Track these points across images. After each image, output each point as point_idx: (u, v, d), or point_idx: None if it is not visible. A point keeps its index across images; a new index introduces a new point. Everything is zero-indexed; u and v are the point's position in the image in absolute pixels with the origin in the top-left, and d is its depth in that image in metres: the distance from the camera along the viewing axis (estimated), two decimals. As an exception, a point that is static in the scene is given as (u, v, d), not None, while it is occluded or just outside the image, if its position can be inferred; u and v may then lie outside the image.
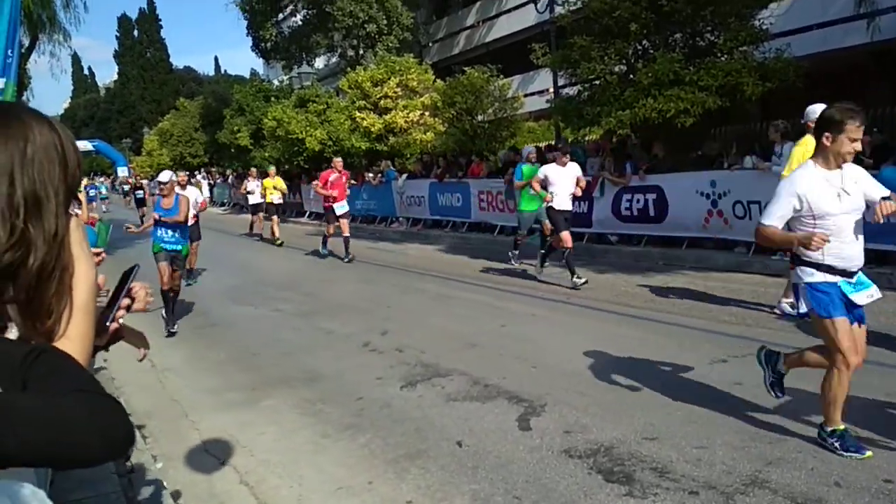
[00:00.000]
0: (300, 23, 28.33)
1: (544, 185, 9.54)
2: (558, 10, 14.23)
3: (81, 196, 9.08)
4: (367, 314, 8.42)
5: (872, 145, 8.83)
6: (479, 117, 17.08)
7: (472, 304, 8.63)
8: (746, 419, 4.40)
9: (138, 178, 33.67)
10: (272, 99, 28.16)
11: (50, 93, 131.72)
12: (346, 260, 12.91)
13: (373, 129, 20.13)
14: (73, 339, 1.11)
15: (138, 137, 63.82)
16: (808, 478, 3.61)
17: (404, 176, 18.11)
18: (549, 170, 9.60)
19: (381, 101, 20.20)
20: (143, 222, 9.99)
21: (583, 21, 11.92)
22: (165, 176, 8.69)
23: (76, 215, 1.22)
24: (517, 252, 10.84)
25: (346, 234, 13.21)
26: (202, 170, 38.29)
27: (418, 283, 10.36)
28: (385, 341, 7.04)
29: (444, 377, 5.73)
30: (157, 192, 9.15)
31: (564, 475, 3.85)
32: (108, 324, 1.47)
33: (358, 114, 20.43)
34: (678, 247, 11.05)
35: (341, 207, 13.39)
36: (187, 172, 22.18)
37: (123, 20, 73.68)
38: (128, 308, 1.55)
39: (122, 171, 44.93)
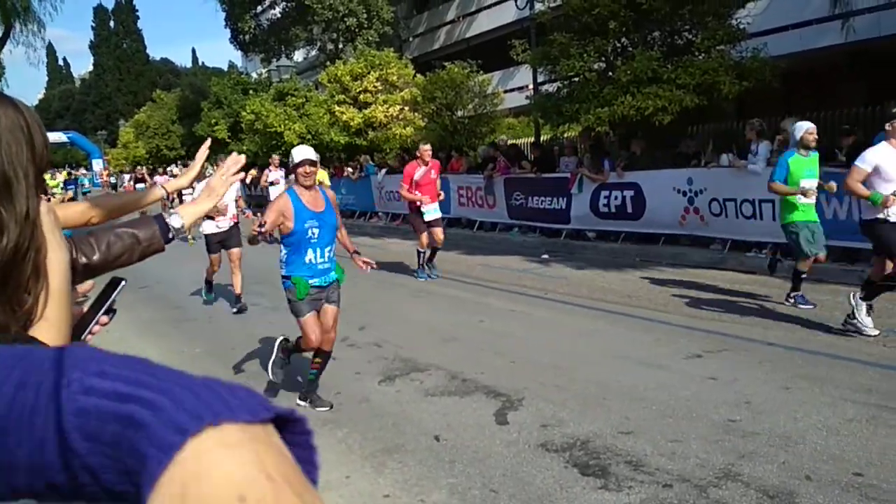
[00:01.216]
0: (279, 15, 28.12)
1: (870, 181, 5.89)
2: (538, 6, 14.28)
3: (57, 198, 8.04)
4: (345, 309, 8.31)
5: (846, 145, 8.95)
6: (459, 113, 17.09)
7: (450, 299, 8.65)
8: (720, 413, 4.47)
9: (139, 171, 33.05)
10: (250, 92, 27.93)
11: (24, 83, 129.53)
12: (433, 276, 10.17)
13: (352, 124, 20.06)
14: (51, 321, 1.11)
15: (114, 129, 62.98)
16: (780, 471, 3.67)
17: (383, 171, 18.07)
18: (881, 154, 5.88)
19: (361, 96, 20.13)
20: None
21: (562, 18, 11.98)
22: (308, 152, 5.10)
23: (47, 200, 1.21)
24: None
25: (439, 244, 10.24)
26: (178, 163, 37.91)
27: (397, 279, 10.36)
28: (363, 336, 7.04)
29: (422, 372, 5.75)
30: (297, 178, 5.06)
31: (541, 469, 3.89)
32: (83, 337, 1.43)
33: (337, 108, 20.34)
34: (655, 243, 11.15)
35: (433, 211, 10.08)
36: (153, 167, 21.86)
37: (100, 10, 72.66)
38: (105, 324, 1.53)
39: (97, 164, 44.41)
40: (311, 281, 5.00)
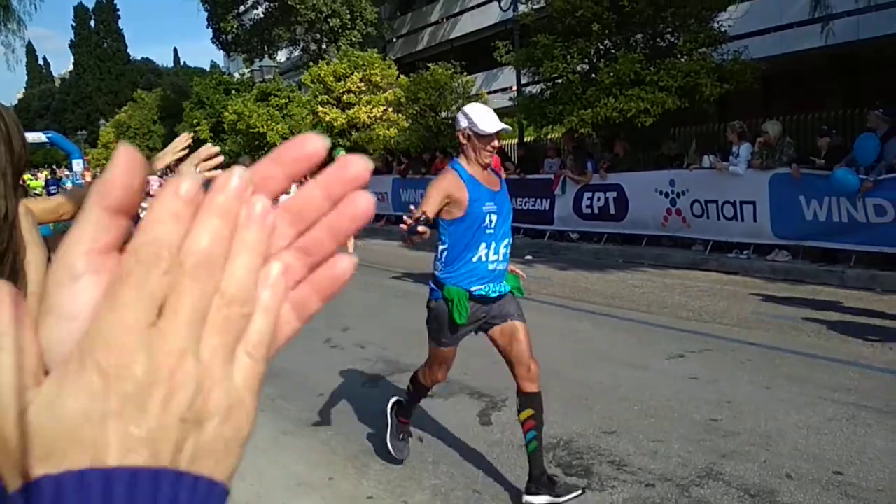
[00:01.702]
0: (262, 15, 27.98)
1: None
2: (522, 8, 14.31)
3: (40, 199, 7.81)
4: (329, 310, 8.25)
5: (826, 147, 9.05)
6: (443, 114, 17.10)
7: (434, 301, 8.63)
8: (701, 413, 4.50)
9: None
10: (233, 92, 27.79)
11: (3, 83, 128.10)
12: None
13: (335, 125, 20.02)
14: None
15: (94, 129, 62.38)
16: (761, 470, 3.70)
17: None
18: None
19: (344, 97, 20.09)
20: None
21: (546, 20, 12.02)
22: (497, 121, 3.62)
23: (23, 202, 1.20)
24: None
25: None
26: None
27: (381, 279, 10.34)
28: (346, 337, 7.02)
29: (405, 373, 5.71)
30: (477, 154, 3.58)
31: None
32: None
33: (320, 108, 20.29)
34: (637, 244, 11.21)
35: None
36: None
37: (80, 10, 71.95)
38: None
39: (77, 164, 44.01)
40: (473, 289, 3.59)
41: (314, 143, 0.34)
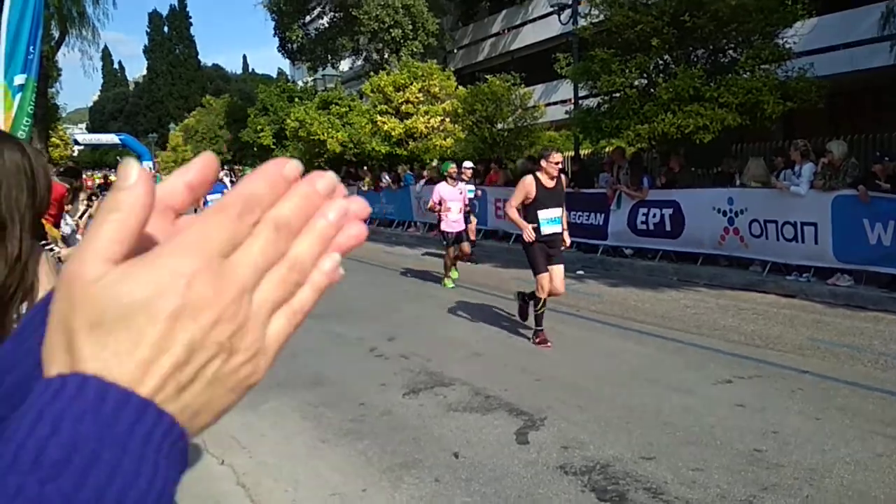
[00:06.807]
0: (326, 25, 28.54)
1: None
2: (581, 22, 14.22)
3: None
4: (377, 319, 8.46)
5: (886, 172, 8.71)
6: (499, 125, 17.10)
7: (481, 313, 8.63)
8: (745, 442, 4.38)
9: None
10: (296, 100, 28.39)
11: (80, 86, 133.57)
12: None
13: (393, 134, 20.23)
14: None
15: (164, 133, 64.54)
16: (803, 506, 3.58)
17: (422, 181, 18.16)
18: None
19: (403, 106, 20.29)
20: None
21: (605, 34, 11.91)
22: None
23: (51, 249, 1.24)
24: None
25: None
26: (225, 167, 38.65)
27: (430, 290, 10.39)
28: (392, 347, 7.07)
29: (446, 386, 5.75)
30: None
31: (558, 492, 3.85)
32: None
33: (379, 118, 20.53)
34: (693, 262, 10.98)
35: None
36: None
37: (154, 16, 74.65)
38: None
39: (147, 166, 45.58)
40: None
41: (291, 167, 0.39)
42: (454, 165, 10.97)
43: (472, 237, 11.36)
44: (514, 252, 14.03)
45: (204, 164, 0.39)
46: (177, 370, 0.34)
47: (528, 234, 6.88)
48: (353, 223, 0.40)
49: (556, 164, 6.99)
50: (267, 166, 0.39)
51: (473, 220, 11.72)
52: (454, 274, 10.65)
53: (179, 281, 0.34)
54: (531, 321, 7.25)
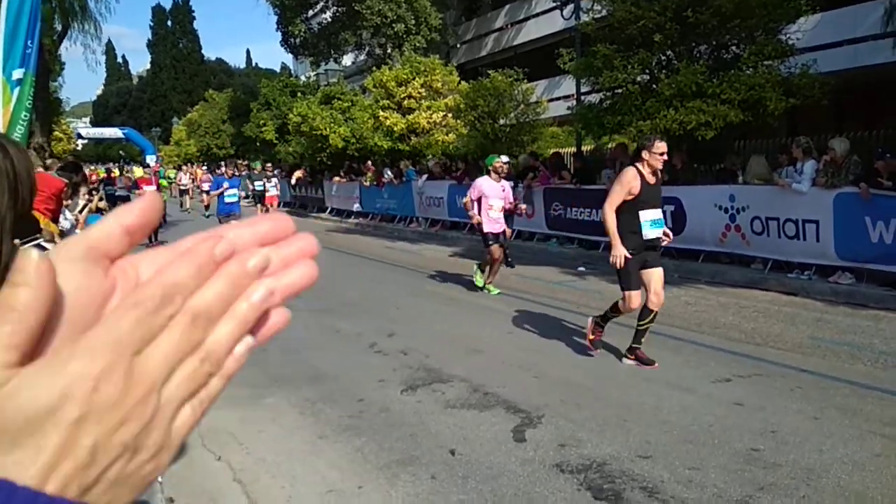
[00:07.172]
0: (329, 20, 28.47)
1: None
2: (584, 17, 14.17)
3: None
4: (377, 314, 8.46)
5: (889, 169, 8.66)
6: (501, 121, 17.06)
7: (481, 309, 8.62)
8: (743, 441, 4.37)
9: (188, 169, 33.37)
10: (298, 94, 28.36)
11: (84, 80, 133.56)
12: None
13: (395, 129, 20.18)
14: None
15: (168, 127, 64.57)
16: (799, 506, 3.57)
17: (424, 176, 18.14)
18: None
19: (405, 101, 20.24)
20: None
21: (607, 29, 11.86)
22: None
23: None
24: None
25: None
26: (227, 161, 38.67)
27: (430, 286, 10.39)
28: (391, 343, 7.07)
29: (444, 383, 5.74)
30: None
31: (553, 490, 3.85)
32: None
33: (381, 113, 20.48)
34: (694, 259, 10.95)
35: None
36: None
37: (157, 10, 74.66)
38: None
39: (151, 160, 45.60)
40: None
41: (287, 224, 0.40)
42: (500, 159, 9.68)
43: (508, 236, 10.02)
44: (516, 248, 14.02)
45: (147, 205, 0.38)
46: (80, 472, 0.33)
47: (620, 261, 5.89)
48: (302, 262, 0.39)
49: (662, 154, 5.89)
50: (199, 247, 0.37)
51: (523, 206, 10.23)
52: (493, 290, 9.60)
53: (85, 385, 0.33)
54: (590, 330, 6.39)
